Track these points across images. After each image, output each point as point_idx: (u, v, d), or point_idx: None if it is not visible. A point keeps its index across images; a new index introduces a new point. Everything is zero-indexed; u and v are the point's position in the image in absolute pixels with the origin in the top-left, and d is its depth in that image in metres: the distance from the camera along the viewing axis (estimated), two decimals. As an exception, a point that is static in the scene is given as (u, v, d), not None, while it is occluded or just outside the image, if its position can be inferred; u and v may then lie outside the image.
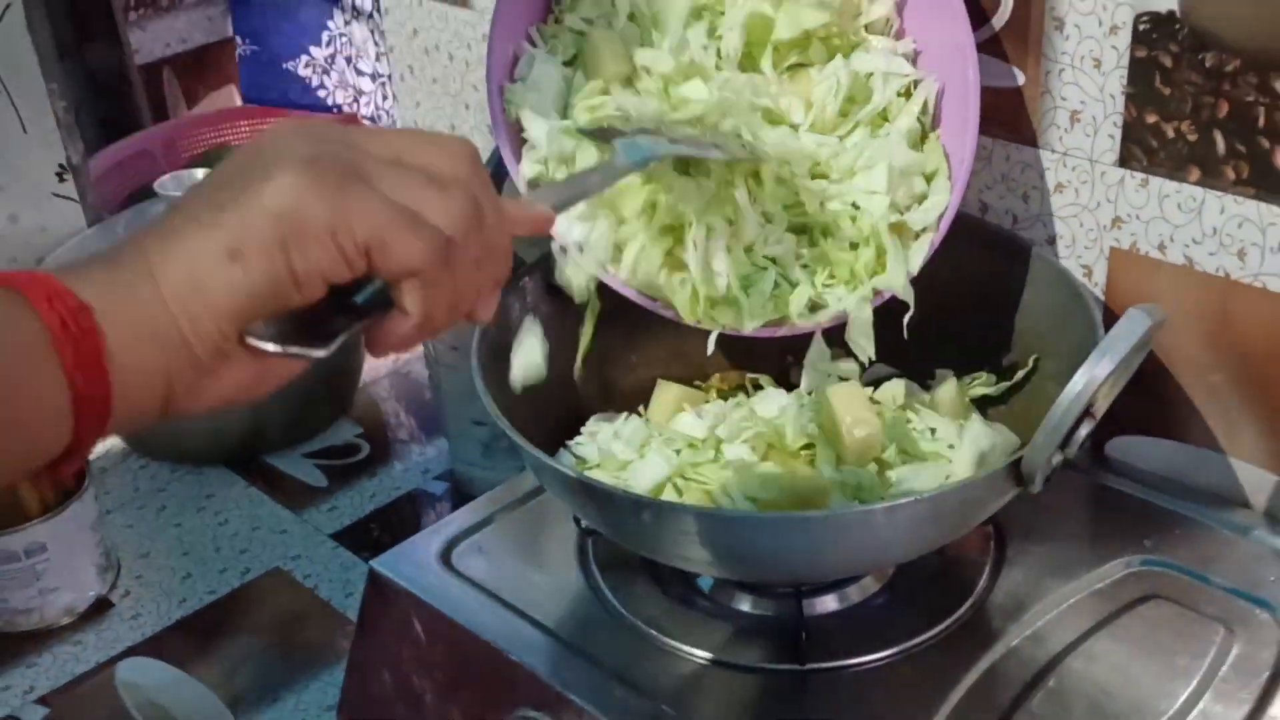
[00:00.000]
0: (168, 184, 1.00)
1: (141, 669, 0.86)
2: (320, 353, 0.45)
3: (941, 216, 0.71)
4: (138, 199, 1.23)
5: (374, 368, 1.14)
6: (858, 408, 0.72)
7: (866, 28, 0.76)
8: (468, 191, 0.47)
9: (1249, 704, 0.63)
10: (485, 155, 0.63)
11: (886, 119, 0.74)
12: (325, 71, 1.45)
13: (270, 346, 0.44)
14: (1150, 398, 0.75)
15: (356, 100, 1.45)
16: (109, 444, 1.07)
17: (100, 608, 0.91)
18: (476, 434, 0.96)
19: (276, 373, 0.46)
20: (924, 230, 0.71)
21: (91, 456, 0.86)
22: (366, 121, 1.44)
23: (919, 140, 0.74)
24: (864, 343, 0.72)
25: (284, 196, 0.43)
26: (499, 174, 0.77)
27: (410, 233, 0.44)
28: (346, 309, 0.46)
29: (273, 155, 0.44)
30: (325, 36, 1.41)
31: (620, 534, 0.69)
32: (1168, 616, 0.68)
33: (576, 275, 0.73)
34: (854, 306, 0.71)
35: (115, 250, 0.44)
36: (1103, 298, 0.76)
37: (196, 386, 0.44)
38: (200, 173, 1.02)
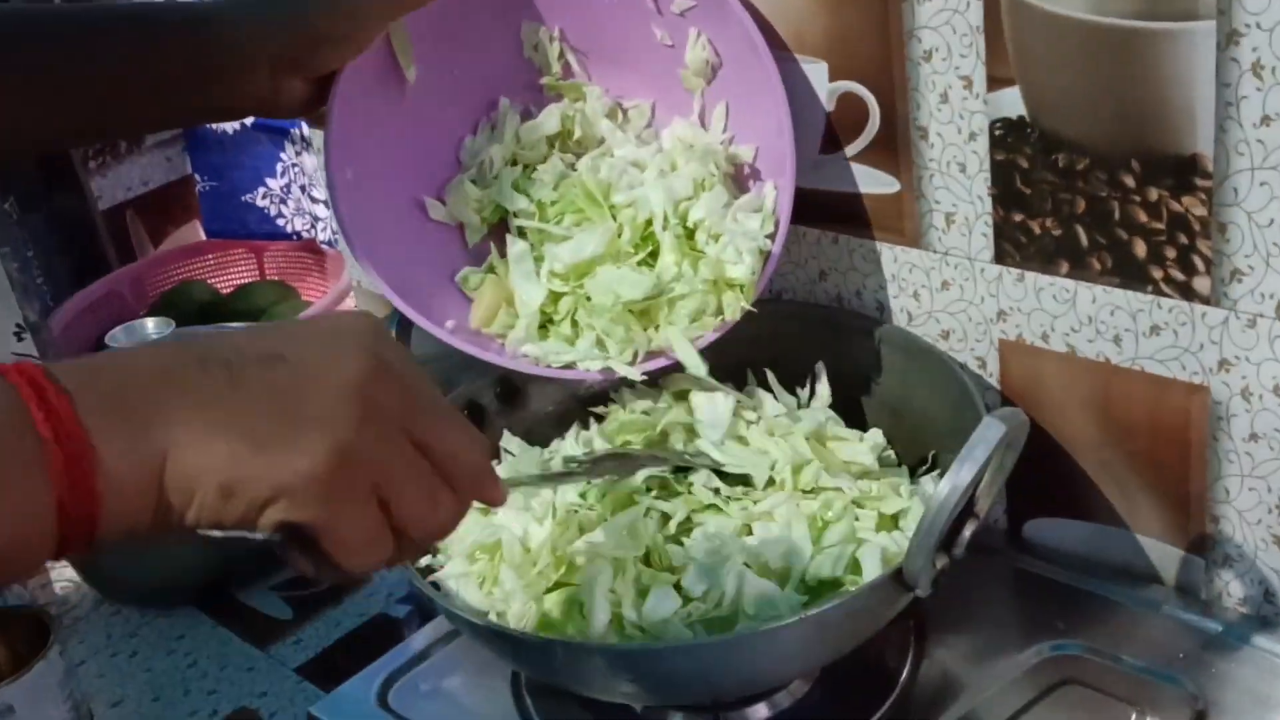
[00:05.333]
0: (119, 335, 1.03)
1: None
2: (256, 536, 0.52)
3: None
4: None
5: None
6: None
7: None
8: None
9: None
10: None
11: None
12: (282, 201, 1.49)
13: (216, 534, 0.51)
14: (1056, 480, 0.77)
15: (314, 226, 1.49)
16: (83, 593, 1.10)
17: (74, 761, 0.93)
18: (431, 557, 0.99)
19: None
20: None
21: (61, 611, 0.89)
22: (325, 246, 1.48)
23: None
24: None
25: (283, 475, 0.48)
26: (403, 327, 0.79)
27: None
28: None
29: (304, 430, 0.49)
30: (279, 168, 1.46)
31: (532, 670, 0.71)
32: (1082, 700, 0.69)
33: None
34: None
35: (141, 389, 0.47)
36: (999, 387, 0.78)
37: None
38: (151, 323, 1.04)
